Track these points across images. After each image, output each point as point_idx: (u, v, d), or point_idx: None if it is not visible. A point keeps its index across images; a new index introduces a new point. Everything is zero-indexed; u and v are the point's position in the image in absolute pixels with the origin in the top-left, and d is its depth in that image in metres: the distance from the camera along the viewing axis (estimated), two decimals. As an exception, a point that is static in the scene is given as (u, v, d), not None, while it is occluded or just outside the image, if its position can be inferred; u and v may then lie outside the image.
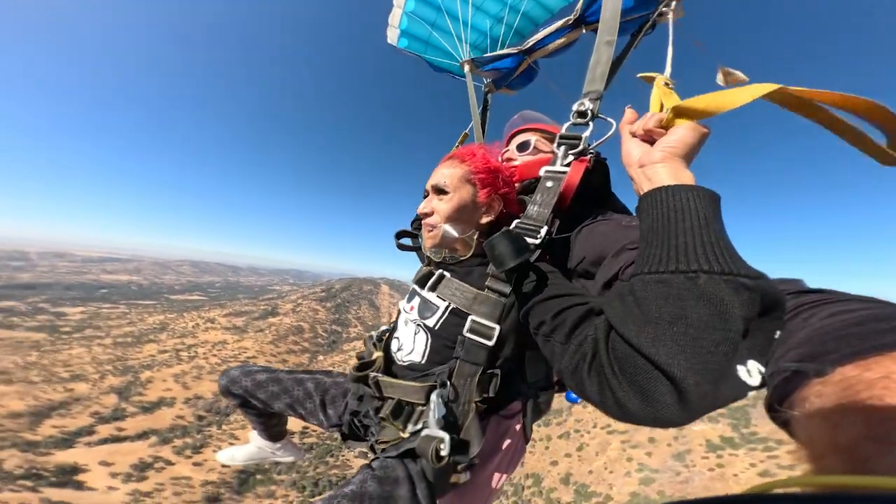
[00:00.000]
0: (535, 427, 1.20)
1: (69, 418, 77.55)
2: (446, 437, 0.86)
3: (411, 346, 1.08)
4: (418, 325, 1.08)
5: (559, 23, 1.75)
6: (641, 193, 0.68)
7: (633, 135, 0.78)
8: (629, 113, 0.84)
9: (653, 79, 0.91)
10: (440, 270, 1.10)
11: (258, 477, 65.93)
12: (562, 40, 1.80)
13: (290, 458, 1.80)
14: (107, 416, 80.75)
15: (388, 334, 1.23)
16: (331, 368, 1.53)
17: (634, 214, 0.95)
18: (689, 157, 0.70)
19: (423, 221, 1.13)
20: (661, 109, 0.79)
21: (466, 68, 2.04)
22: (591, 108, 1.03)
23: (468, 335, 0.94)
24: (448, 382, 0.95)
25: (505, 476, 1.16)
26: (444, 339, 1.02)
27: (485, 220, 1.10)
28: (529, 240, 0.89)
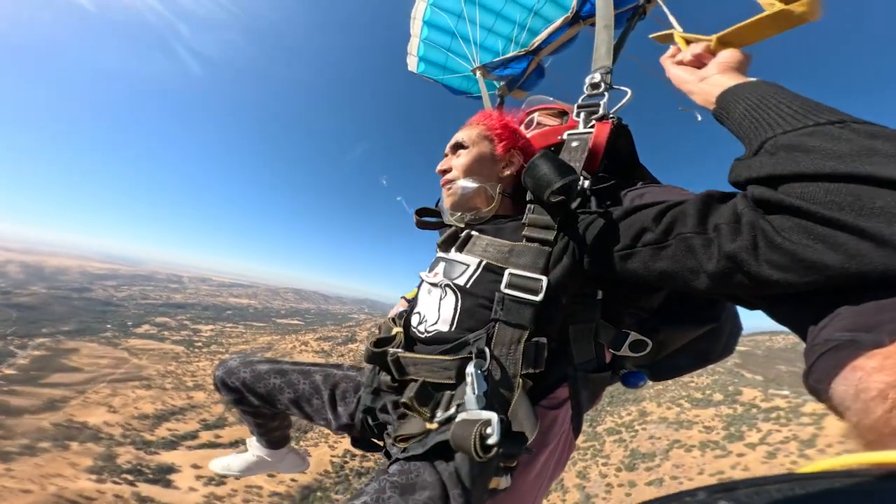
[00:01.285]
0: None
1: (182, 423, 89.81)
2: (494, 416, 0.68)
3: (436, 314, 0.93)
4: (445, 286, 0.93)
5: (559, 21, 1.91)
6: (716, 95, 0.69)
7: (680, 63, 0.85)
8: (673, 48, 0.91)
9: (668, 36, 0.97)
10: (467, 231, 0.99)
11: (318, 494, 66.70)
12: (563, 37, 1.96)
13: (293, 470, 1.62)
14: (211, 424, 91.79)
15: (405, 314, 1.08)
16: (343, 362, 1.35)
17: (664, 184, 1.01)
18: (743, 71, 0.74)
19: (442, 180, 1.08)
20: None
21: (478, 74, 2.15)
22: (602, 79, 1.08)
23: (507, 291, 0.80)
24: (487, 350, 0.78)
25: (551, 479, 0.97)
26: (479, 298, 0.87)
27: (506, 172, 1.05)
28: None
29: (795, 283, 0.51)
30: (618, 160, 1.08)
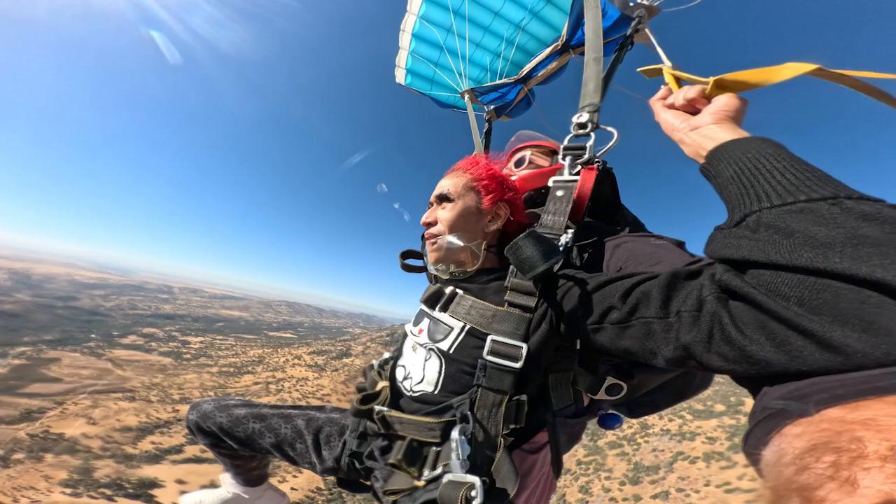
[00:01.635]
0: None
1: (167, 436, 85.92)
2: (477, 480, 0.73)
3: (421, 374, 0.95)
4: (429, 349, 0.95)
5: (548, 49, 1.93)
6: (707, 150, 0.66)
7: (672, 106, 0.81)
8: (664, 89, 0.87)
9: (657, 70, 0.95)
10: (451, 287, 1.00)
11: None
12: (553, 66, 1.97)
13: None
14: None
15: (391, 362, 1.09)
16: (327, 403, 1.36)
17: (647, 230, 1.04)
18: (738, 122, 0.70)
19: (425, 233, 1.06)
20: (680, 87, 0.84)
21: (466, 98, 2.15)
22: (590, 119, 1.06)
23: (490, 358, 0.83)
24: (470, 415, 0.81)
25: None
26: (461, 364, 0.89)
27: (492, 227, 1.04)
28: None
29: (740, 373, 0.52)
30: (601, 201, 1.09)
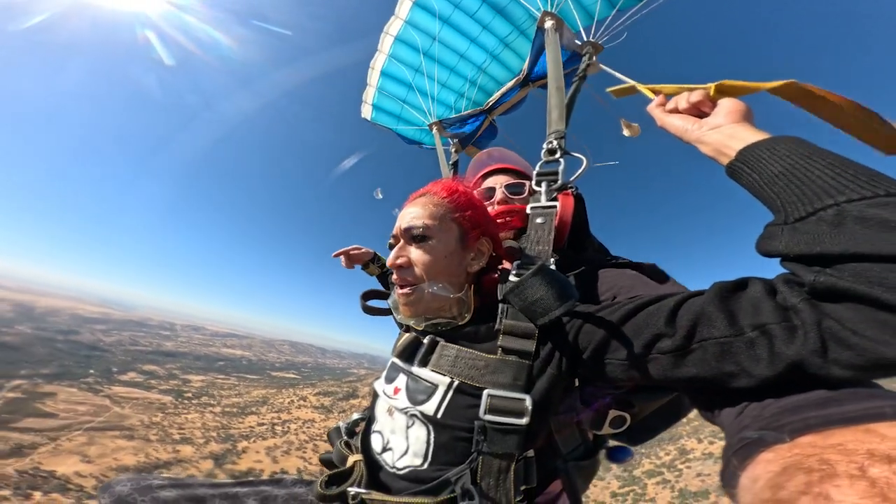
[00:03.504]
0: None
1: (169, 478, 77.01)
2: None
3: (404, 444, 0.79)
4: (411, 414, 0.79)
5: (511, 83, 2.09)
6: (736, 148, 0.62)
7: (675, 111, 0.80)
8: (660, 98, 0.86)
9: (629, 89, 0.99)
10: (430, 336, 0.86)
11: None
12: (515, 98, 2.15)
13: None
14: (200, 483, 78.81)
15: (360, 425, 0.94)
16: (284, 474, 1.13)
17: (612, 256, 1.06)
18: (752, 123, 0.68)
19: (396, 279, 0.87)
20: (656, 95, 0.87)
21: (434, 130, 2.26)
22: (558, 145, 1.08)
23: (488, 417, 0.70)
24: (473, 490, 0.68)
25: None
26: (455, 430, 0.75)
27: (475, 268, 0.89)
28: None
29: (857, 379, 0.46)
30: (571, 230, 1.03)
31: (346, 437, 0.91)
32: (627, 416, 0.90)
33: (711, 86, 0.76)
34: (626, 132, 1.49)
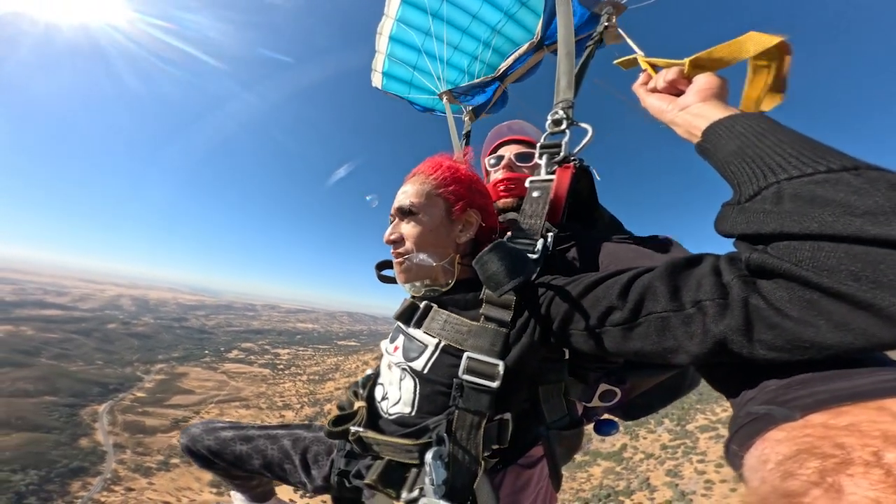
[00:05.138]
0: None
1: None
2: None
3: (398, 394, 0.92)
4: (403, 369, 0.91)
5: (524, 47, 1.93)
6: (701, 128, 0.64)
7: (655, 90, 0.79)
8: (644, 76, 0.85)
9: (632, 61, 0.93)
10: (426, 302, 0.94)
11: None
12: (528, 63, 1.99)
13: None
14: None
15: (371, 380, 1.07)
16: (315, 421, 1.40)
17: (625, 230, 1.03)
18: (724, 99, 0.69)
19: (392, 252, 0.98)
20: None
21: (445, 99, 2.15)
22: (565, 115, 1.03)
23: (465, 377, 0.78)
24: (446, 438, 0.78)
25: None
26: (437, 385, 0.85)
27: (463, 238, 0.96)
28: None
29: (784, 361, 0.46)
30: (577, 201, 1.03)
31: (358, 388, 1.05)
32: (617, 390, 0.93)
33: (686, 61, 0.74)
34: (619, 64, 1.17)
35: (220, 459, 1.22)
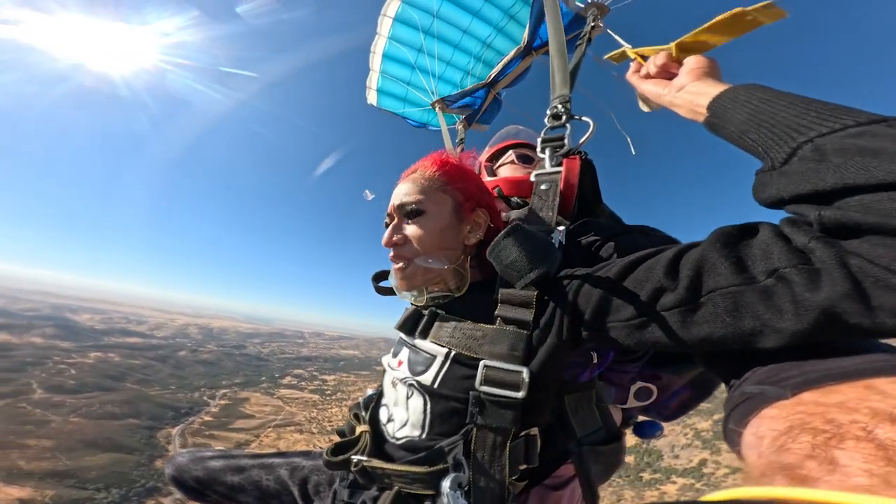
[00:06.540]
0: None
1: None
2: None
3: (405, 415, 0.80)
4: (410, 385, 0.79)
5: (512, 53, 1.98)
6: (704, 104, 0.62)
7: (648, 76, 0.80)
8: (635, 64, 0.85)
9: (622, 55, 0.96)
10: (431, 309, 0.84)
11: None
12: (518, 69, 2.05)
13: None
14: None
15: (374, 401, 0.95)
16: (311, 447, 1.27)
17: (624, 223, 1.03)
18: (717, 76, 0.69)
19: (391, 256, 0.87)
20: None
21: (437, 108, 2.18)
22: (563, 110, 1.01)
23: (484, 389, 0.67)
24: (464, 462, 0.67)
25: None
26: (450, 400, 0.73)
27: (473, 240, 0.88)
28: None
29: None
30: (580, 196, 0.97)
31: (360, 411, 0.93)
32: (654, 387, 0.87)
33: (672, 45, 0.76)
34: (643, 107, 1.22)
35: (210, 491, 1.11)
